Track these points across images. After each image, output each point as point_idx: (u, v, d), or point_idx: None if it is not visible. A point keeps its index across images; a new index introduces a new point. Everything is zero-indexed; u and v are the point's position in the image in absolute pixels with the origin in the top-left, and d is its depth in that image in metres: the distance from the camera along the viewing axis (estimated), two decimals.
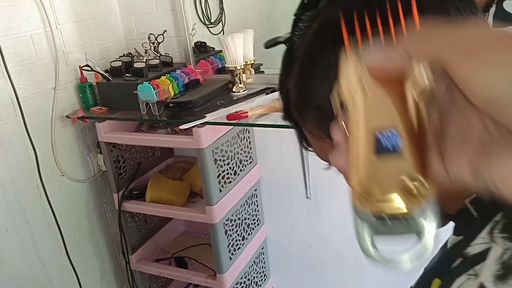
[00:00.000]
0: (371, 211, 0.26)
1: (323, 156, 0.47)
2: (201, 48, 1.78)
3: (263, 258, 1.83)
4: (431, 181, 0.25)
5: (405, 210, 0.25)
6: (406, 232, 0.26)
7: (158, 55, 1.65)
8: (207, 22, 1.84)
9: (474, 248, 0.37)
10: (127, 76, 1.50)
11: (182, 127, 1.29)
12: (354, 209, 0.26)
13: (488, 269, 0.34)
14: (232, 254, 1.59)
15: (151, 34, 1.66)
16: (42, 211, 1.50)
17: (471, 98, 0.22)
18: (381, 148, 0.26)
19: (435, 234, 0.25)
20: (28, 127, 1.41)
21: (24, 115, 1.38)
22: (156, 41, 1.67)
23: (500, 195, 0.23)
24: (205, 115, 1.32)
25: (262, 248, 1.82)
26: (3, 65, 1.33)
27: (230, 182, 1.52)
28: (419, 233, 0.25)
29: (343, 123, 0.29)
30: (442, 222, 0.44)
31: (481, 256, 0.36)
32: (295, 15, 0.44)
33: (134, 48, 1.71)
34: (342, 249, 1.73)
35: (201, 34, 1.78)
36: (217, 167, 1.44)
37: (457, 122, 0.25)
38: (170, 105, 1.43)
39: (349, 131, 0.28)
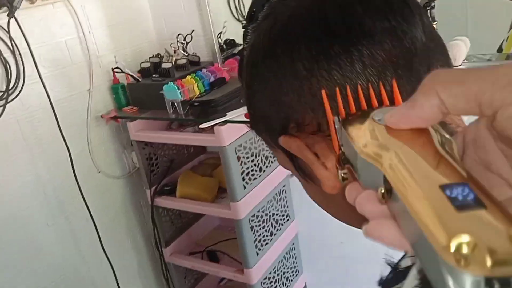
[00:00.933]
0: (480, 271, 0.20)
1: (281, 163, 0.47)
2: (230, 46, 1.80)
3: (294, 254, 1.84)
4: None
5: None
6: None
7: (186, 54, 1.69)
8: (240, 18, 1.85)
9: (405, 261, 0.37)
10: (155, 77, 1.56)
11: (202, 126, 1.32)
12: (448, 269, 0.21)
13: (409, 283, 0.34)
14: (260, 249, 1.60)
15: (180, 34, 1.70)
16: (80, 206, 1.59)
17: None
18: (459, 205, 0.22)
19: None
20: (64, 128, 1.50)
21: (57, 117, 1.46)
22: (184, 41, 1.71)
23: None
24: (226, 113, 1.34)
25: (293, 243, 1.82)
26: (37, 71, 1.42)
27: (255, 178, 1.53)
28: None
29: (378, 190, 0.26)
30: None
31: (408, 270, 0.35)
32: (243, 27, 0.45)
33: (165, 49, 1.76)
34: (374, 245, 1.69)
35: (235, 31, 1.78)
36: (241, 164, 1.46)
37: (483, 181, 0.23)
38: (195, 104, 1.46)
39: (391, 192, 0.24)
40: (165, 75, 1.54)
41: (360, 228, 0.50)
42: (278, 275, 1.74)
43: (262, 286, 1.65)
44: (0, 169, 1.39)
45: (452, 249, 0.20)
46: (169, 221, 1.82)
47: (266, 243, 1.65)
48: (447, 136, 0.25)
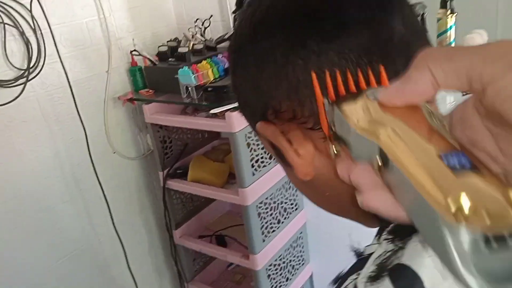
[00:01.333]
0: (479, 228, 0.22)
1: (266, 149, 0.48)
2: None
3: (302, 243, 1.85)
4: None
5: None
6: (509, 261, 0.22)
7: (203, 39, 1.70)
8: None
9: (369, 249, 0.38)
10: (171, 61, 1.58)
11: (213, 111, 1.33)
12: (449, 229, 0.22)
13: (366, 270, 0.35)
14: (266, 236, 1.62)
15: (198, 19, 1.71)
16: (95, 184, 1.64)
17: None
18: (457, 170, 0.23)
19: None
20: (82, 107, 1.55)
21: (75, 97, 1.51)
22: (202, 26, 1.72)
23: None
24: None
25: (301, 232, 1.83)
26: (57, 51, 1.46)
27: (264, 166, 1.55)
28: None
29: (373, 161, 0.27)
30: (371, 222, 0.44)
31: (368, 258, 0.36)
32: (232, 12, 0.46)
33: (183, 33, 1.78)
34: None
35: None
36: (250, 151, 1.47)
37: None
38: (208, 89, 1.48)
39: (393, 160, 0.25)
40: (181, 59, 1.56)
41: (332, 213, 0.51)
42: (284, 262, 1.76)
43: (267, 273, 1.67)
44: (20, 144, 1.44)
45: (452, 209, 0.21)
46: (181, 203, 1.85)
47: (273, 231, 1.67)
48: (438, 114, 0.27)
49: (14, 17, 1.36)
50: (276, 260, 1.71)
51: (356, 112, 0.28)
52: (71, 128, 1.56)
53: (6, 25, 1.35)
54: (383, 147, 0.26)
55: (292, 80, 0.39)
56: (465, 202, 0.22)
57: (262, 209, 1.58)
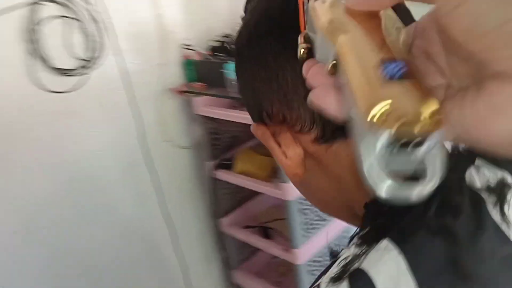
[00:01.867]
0: (394, 129, 0.24)
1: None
2: None
3: (345, 243, 1.83)
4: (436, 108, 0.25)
5: (424, 136, 0.24)
6: (414, 162, 0.25)
7: None
8: None
9: (343, 252, 0.39)
10: (221, 56, 1.62)
11: None
12: (369, 129, 0.25)
13: (330, 271, 0.36)
14: (309, 232, 1.63)
15: None
16: (149, 170, 1.74)
17: (454, 31, 0.21)
18: (388, 77, 0.26)
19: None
20: (138, 98, 1.64)
21: (130, 87, 1.60)
22: None
23: (475, 141, 0.23)
24: None
25: (344, 232, 1.81)
26: (115, 44, 1.55)
27: None
28: (424, 168, 0.25)
29: (330, 65, 0.29)
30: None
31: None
32: (241, 18, 0.48)
33: (236, 29, 1.81)
34: None
35: None
36: None
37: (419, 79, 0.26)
38: None
39: (342, 65, 0.28)
40: (230, 55, 1.60)
41: (325, 212, 0.52)
42: (325, 260, 1.75)
43: (308, 268, 1.68)
44: (81, 129, 1.56)
45: (372, 113, 0.24)
46: (228, 193, 1.91)
47: (317, 227, 1.66)
48: (400, 25, 0.29)
49: (79, 12, 1.47)
50: (318, 257, 1.70)
51: (324, 13, 0.30)
52: (127, 116, 1.66)
53: (72, 19, 1.46)
54: (337, 51, 0.28)
55: (281, 84, 0.40)
56: (382, 108, 0.24)
57: (304, 205, 1.58)
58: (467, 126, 0.22)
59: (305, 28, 0.35)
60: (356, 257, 0.36)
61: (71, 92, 1.49)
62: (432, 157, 0.25)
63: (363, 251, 0.36)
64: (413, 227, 0.36)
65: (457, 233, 0.35)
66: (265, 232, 1.91)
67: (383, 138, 0.24)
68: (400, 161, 0.25)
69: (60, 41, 1.45)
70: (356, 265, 0.35)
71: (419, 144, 0.25)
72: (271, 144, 0.44)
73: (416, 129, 0.24)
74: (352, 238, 0.40)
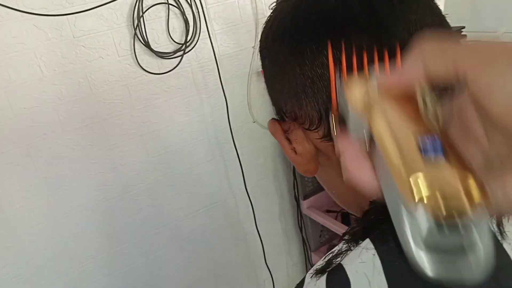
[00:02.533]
0: (434, 212, 0.23)
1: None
2: None
3: None
4: (480, 187, 0.24)
5: (471, 215, 0.23)
6: (458, 244, 0.24)
7: None
8: None
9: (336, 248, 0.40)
10: None
11: None
12: (408, 206, 0.24)
13: (317, 263, 0.38)
14: None
15: None
16: (234, 149, 1.83)
17: (489, 108, 0.21)
18: (426, 152, 0.25)
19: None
20: (228, 79, 1.72)
21: (221, 70, 1.68)
22: None
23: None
24: None
25: None
26: (207, 28, 1.64)
27: None
28: (473, 245, 0.24)
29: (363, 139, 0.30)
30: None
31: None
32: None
33: None
34: None
35: None
36: None
37: (460, 144, 0.26)
38: None
39: (373, 141, 0.28)
40: None
41: (342, 207, 0.54)
42: None
43: None
44: (175, 108, 1.69)
45: (412, 192, 0.24)
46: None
47: None
48: (436, 102, 0.27)
49: None
50: None
51: (356, 93, 0.30)
52: (217, 97, 1.75)
53: (170, 5, 1.57)
54: (370, 126, 0.28)
55: (292, 83, 0.42)
56: (424, 187, 0.24)
57: None
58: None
59: (337, 106, 0.35)
60: (342, 253, 0.38)
61: (168, 73, 1.62)
62: (481, 233, 0.24)
63: (349, 247, 0.38)
64: (393, 230, 0.36)
65: None
66: (346, 218, 1.91)
67: (432, 222, 0.23)
68: (443, 240, 0.24)
69: (160, 26, 1.57)
70: (339, 260, 0.37)
71: (466, 227, 0.23)
72: (282, 140, 0.47)
73: (462, 212, 0.23)
74: (344, 234, 0.42)
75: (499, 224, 0.37)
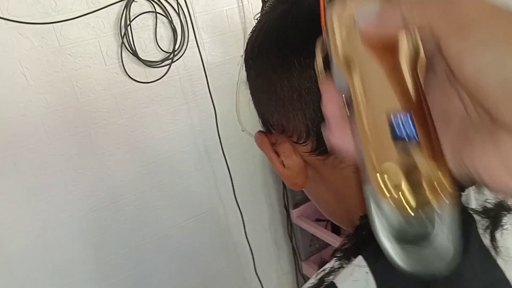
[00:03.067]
0: (396, 202, 0.23)
1: None
2: None
3: None
4: (449, 177, 0.24)
5: (435, 205, 0.23)
6: (424, 235, 0.24)
7: None
8: None
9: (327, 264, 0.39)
10: None
11: None
12: (376, 198, 0.24)
13: (309, 281, 0.37)
14: None
15: None
16: (223, 157, 1.82)
17: (460, 77, 0.21)
18: (397, 136, 0.24)
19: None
20: (216, 88, 1.72)
21: (209, 79, 1.68)
22: None
23: (484, 185, 0.23)
24: None
25: None
26: (196, 37, 1.64)
27: None
28: (439, 236, 0.24)
29: (344, 98, 0.27)
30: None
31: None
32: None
33: None
34: None
35: None
36: None
37: (439, 101, 0.25)
38: None
39: (352, 105, 0.26)
40: None
41: (331, 220, 0.53)
42: None
43: None
44: (163, 116, 1.68)
45: (381, 181, 0.23)
46: None
47: None
48: (419, 45, 0.26)
49: (164, 7, 1.57)
50: None
51: (340, 36, 0.27)
52: (205, 106, 1.75)
53: (158, 14, 1.57)
54: (351, 88, 0.26)
55: (279, 95, 0.41)
56: (392, 178, 0.23)
57: None
58: (478, 171, 0.22)
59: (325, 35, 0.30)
60: (333, 270, 0.37)
61: (155, 82, 1.61)
62: (447, 224, 0.24)
63: (342, 265, 0.37)
64: None
65: None
66: (336, 227, 1.90)
67: (396, 214, 0.23)
68: (407, 229, 0.24)
69: (148, 34, 1.57)
70: (331, 278, 0.36)
71: (428, 211, 0.24)
72: (269, 153, 0.46)
73: (428, 203, 0.23)
74: (336, 250, 0.41)
75: (493, 239, 0.37)
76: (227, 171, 1.82)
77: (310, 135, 0.40)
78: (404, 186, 0.23)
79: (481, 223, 0.37)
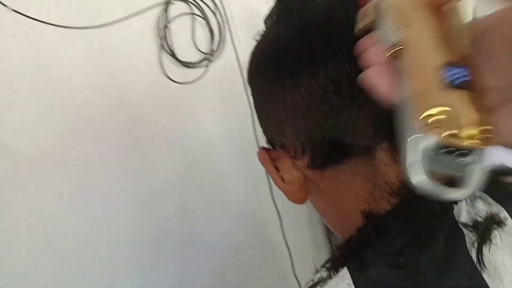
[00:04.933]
0: (440, 138, 0.25)
1: None
2: None
3: None
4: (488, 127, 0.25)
5: (479, 146, 0.25)
6: (457, 170, 0.27)
7: None
8: None
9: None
10: None
11: None
12: (419, 128, 0.25)
13: None
14: None
15: None
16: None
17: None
18: (449, 81, 0.26)
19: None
20: None
21: (243, 78, 1.68)
22: None
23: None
24: None
25: None
26: (231, 37, 1.65)
27: None
28: (470, 175, 0.26)
29: (394, 46, 0.29)
30: None
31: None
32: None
33: None
34: None
35: None
36: None
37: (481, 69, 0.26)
38: None
39: (405, 54, 0.28)
40: None
41: (335, 232, 0.53)
42: None
43: None
44: (202, 116, 1.70)
45: (426, 115, 0.26)
46: None
47: None
48: (465, 20, 0.28)
49: (202, 8, 1.59)
50: None
51: None
52: (242, 105, 1.75)
53: (195, 16, 1.59)
54: (402, 40, 0.28)
55: (276, 111, 0.43)
56: (435, 113, 0.25)
57: None
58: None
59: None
60: (321, 281, 0.38)
61: (193, 83, 1.64)
62: (473, 170, 0.26)
63: (329, 275, 0.37)
64: (373, 258, 0.36)
65: (418, 268, 0.33)
66: None
67: (431, 141, 0.25)
68: (442, 164, 0.26)
69: (186, 36, 1.59)
70: None
71: (464, 154, 0.26)
72: (269, 169, 0.48)
73: (465, 143, 0.25)
74: (326, 261, 0.42)
75: (479, 254, 0.36)
76: (264, 171, 1.82)
77: (305, 149, 0.41)
78: (447, 125, 0.25)
79: (469, 237, 0.37)
